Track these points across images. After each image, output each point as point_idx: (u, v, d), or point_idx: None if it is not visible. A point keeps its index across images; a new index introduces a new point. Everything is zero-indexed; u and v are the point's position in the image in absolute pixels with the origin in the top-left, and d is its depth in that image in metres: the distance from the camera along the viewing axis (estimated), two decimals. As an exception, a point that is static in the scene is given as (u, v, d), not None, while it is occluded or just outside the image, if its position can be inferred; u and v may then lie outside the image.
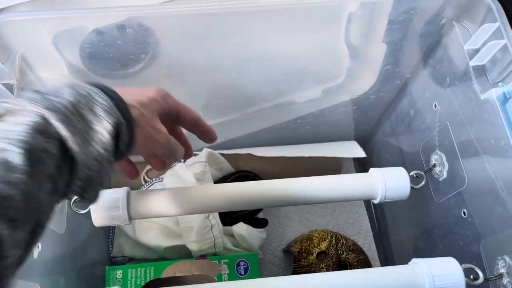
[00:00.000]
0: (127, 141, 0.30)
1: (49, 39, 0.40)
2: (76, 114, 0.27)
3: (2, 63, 0.37)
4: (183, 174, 0.55)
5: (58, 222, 0.42)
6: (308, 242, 0.56)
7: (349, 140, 0.66)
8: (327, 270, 0.53)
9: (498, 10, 0.38)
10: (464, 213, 0.44)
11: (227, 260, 0.52)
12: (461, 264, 0.37)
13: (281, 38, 0.46)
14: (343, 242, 0.55)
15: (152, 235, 0.55)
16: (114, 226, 0.59)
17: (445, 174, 0.46)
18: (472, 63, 0.40)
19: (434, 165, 0.47)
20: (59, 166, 0.26)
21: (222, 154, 0.60)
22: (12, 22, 0.38)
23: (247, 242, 0.56)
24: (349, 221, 0.65)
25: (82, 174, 0.27)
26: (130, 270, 0.52)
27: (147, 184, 0.58)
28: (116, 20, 0.39)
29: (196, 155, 0.59)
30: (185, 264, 0.52)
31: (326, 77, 0.54)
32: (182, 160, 0.58)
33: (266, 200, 0.45)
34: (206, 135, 0.43)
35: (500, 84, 0.38)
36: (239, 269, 0.52)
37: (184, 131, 0.43)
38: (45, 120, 0.25)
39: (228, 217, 0.57)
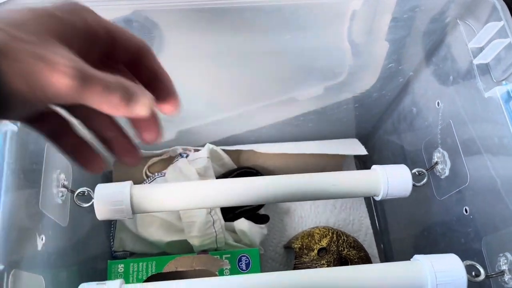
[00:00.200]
0: None
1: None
2: None
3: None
4: (185, 169, 0.55)
5: (61, 215, 0.42)
6: (309, 238, 0.57)
7: (351, 138, 0.66)
8: (328, 266, 0.53)
9: (502, 9, 0.39)
10: (465, 210, 0.44)
11: (228, 255, 0.52)
12: (462, 261, 0.38)
13: (284, 35, 0.47)
14: (344, 239, 0.56)
15: (154, 230, 0.55)
16: (116, 220, 0.59)
17: (447, 172, 0.46)
18: (476, 61, 0.41)
19: (436, 163, 0.48)
20: None
21: (224, 150, 0.60)
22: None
23: (249, 237, 0.56)
24: (350, 218, 0.66)
25: None
26: (132, 264, 0.52)
27: (149, 179, 0.58)
28: (123, 14, 0.39)
29: (198, 150, 0.59)
30: (187, 259, 0.52)
31: (329, 75, 0.54)
32: (185, 155, 0.58)
33: (268, 196, 0.45)
34: (167, 94, 0.29)
35: (504, 82, 0.38)
36: (241, 264, 0.52)
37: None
38: None
39: (230, 213, 0.57)
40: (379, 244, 0.65)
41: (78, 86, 0.21)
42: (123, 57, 0.27)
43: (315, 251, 0.55)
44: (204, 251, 0.54)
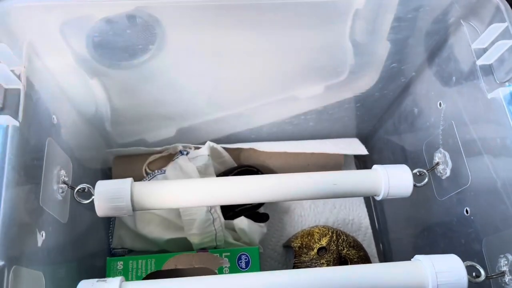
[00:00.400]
0: None
1: (56, 27, 0.40)
2: None
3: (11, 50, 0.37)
4: (185, 167, 0.55)
5: (61, 211, 0.42)
6: (309, 237, 0.57)
7: (351, 137, 0.66)
8: (328, 265, 0.53)
9: (506, 10, 0.39)
10: (466, 211, 0.44)
11: (228, 254, 0.52)
12: (463, 262, 0.38)
13: (287, 33, 0.46)
14: (343, 238, 0.56)
15: (153, 227, 0.55)
16: (115, 218, 0.59)
17: (448, 173, 0.46)
18: (479, 62, 0.41)
19: (438, 163, 0.48)
20: None
21: (224, 148, 0.60)
22: (20, 9, 0.37)
23: (248, 236, 0.56)
24: (349, 217, 0.66)
25: None
26: (131, 261, 0.52)
27: (148, 176, 0.58)
28: (126, 10, 0.39)
29: (198, 148, 0.59)
30: (186, 257, 0.52)
31: (330, 74, 0.54)
32: (185, 153, 0.58)
33: (268, 194, 0.45)
34: None
35: (507, 83, 0.38)
36: (240, 262, 0.52)
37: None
38: None
39: (230, 211, 0.57)
40: (378, 244, 0.65)
41: None
42: None
43: (315, 250, 0.55)
44: (204, 249, 0.53)
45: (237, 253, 0.52)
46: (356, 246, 0.56)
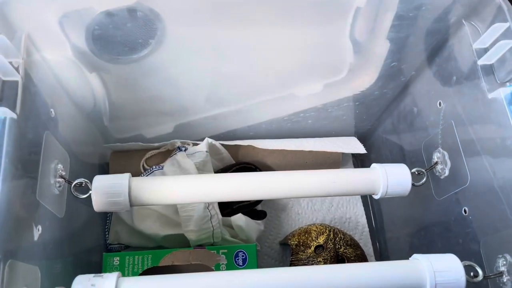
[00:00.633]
0: None
1: (55, 19, 0.40)
2: None
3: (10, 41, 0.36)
4: (183, 163, 0.55)
5: (58, 205, 0.42)
6: (306, 235, 0.57)
7: (350, 136, 0.66)
8: (325, 263, 0.53)
9: (509, 10, 0.39)
10: (465, 211, 0.44)
11: (225, 251, 0.52)
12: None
13: (287, 30, 0.46)
14: (341, 237, 0.56)
15: (150, 223, 0.55)
16: (111, 213, 0.59)
17: (447, 172, 0.46)
18: (480, 62, 0.40)
19: (436, 163, 0.48)
20: None
21: (223, 145, 0.60)
22: (19, 0, 0.37)
23: (245, 233, 0.56)
24: (346, 216, 0.66)
25: None
26: (127, 257, 0.51)
27: (146, 172, 0.58)
28: (126, 3, 0.39)
29: (197, 144, 0.59)
30: (183, 253, 0.51)
31: (329, 72, 0.54)
32: (183, 149, 0.57)
33: (266, 191, 0.44)
34: None
35: (508, 83, 0.38)
36: (237, 259, 0.52)
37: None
38: None
39: (228, 208, 0.57)
40: (375, 243, 0.65)
41: None
42: None
43: (312, 248, 0.55)
44: (201, 246, 0.53)
45: (234, 250, 0.52)
46: (353, 244, 0.56)
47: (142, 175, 0.58)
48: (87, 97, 0.50)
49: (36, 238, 0.37)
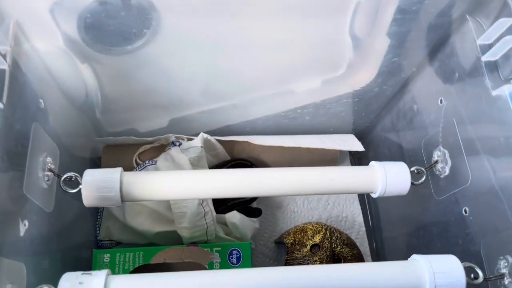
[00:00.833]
0: None
1: (46, 7, 0.38)
2: None
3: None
4: (177, 158, 0.54)
5: (46, 200, 0.40)
6: (302, 234, 0.55)
7: (347, 134, 0.65)
8: (321, 263, 0.52)
9: (514, 5, 0.38)
10: (465, 211, 0.43)
11: (219, 248, 0.51)
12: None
13: (285, 23, 0.45)
14: (337, 236, 0.54)
15: (143, 220, 0.53)
16: (103, 208, 0.57)
17: (447, 171, 0.45)
18: (484, 58, 0.39)
19: (436, 162, 0.47)
20: None
21: (218, 141, 0.59)
22: (7, -15, 0.35)
23: (240, 231, 0.54)
24: (343, 215, 0.65)
25: None
26: (118, 254, 0.50)
27: (139, 167, 0.56)
28: (120, -10, 0.37)
29: (191, 139, 0.57)
30: (176, 251, 0.50)
31: (327, 68, 0.53)
32: (177, 144, 0.56)
33: (262, 189, 0.43)
34: None
35: (512, 81, 0.37)
36: (231, 258, 0.51)
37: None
38: None
39: (222, 205, 0.56)
40: (372, 242, 0.64)
41: None
42: None
43: (308, 247, 0.54)
44: (194, 243, 0.52)
45: (228, 248, 0.51)
46: (350, 244, 0.55)
47: (135, 170, 0.57)
48: (78, 88, 0.49)
49: (22, 233, 0.35)
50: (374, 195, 0.44)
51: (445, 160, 0.46)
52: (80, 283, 0.34)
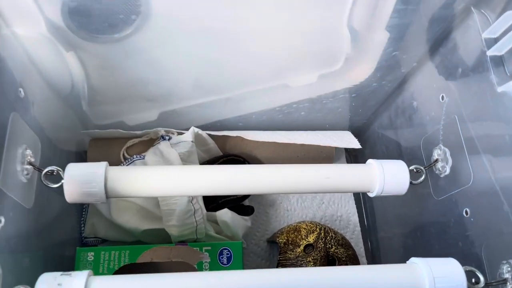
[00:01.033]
0: None
1: (27, -12, 0.36)
2: None
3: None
4: (167, 153, 0.51)
5: (25, 195, 0.38)
6: (296, 233, 0.53)
7: (343, 130, 0.63)
8: (315, 264, 0.50)
9: (522, -2, 0.36)
10: (466, 212, 0.41)
11: (209, 248, 0.48)
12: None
13: (282, 14, 0.43)
14: (332, 236, 0.53)
15: (129, 217, 0.51)
16: (88, 204, 0.55)
17: (447, 171, 0.44)
18: (489, 53, 0.38)
19: (436, 160, 0.45)
20: None
21: (210, 135, 0.57)
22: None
23: (231, 229, 0.52)
24: (337, 214, 0.63)
25: None
26: (102, 252, 0.48)
27: (126, 161, 0.54)
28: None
29: (182, 133, 0.55)
30: (164, 250, 0.48)
31: (324, 62, 0.51)
32: (167, 138, 0.54)
33: (256, 186, 0.41)
34: None
35: (519, 76, 0.36)
36: (222, 258, 0.49)
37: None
38: None
39: (213, 202, 0.54)
40: (367, 243, 0.62)
41: None
42: None
43: (301, 247, 0.52)
44: (183, 242, 0.50)
45: (218, 248, 0.49)
46: (345, 244, 0.53)
47: (122, 164, 0.54)
48: (63, 78, 0.46)
49: (-3, 230, 0.33)
50: (371, 194, 0.43)
51: (445, 159, 0.44)
52: (58, 284, 0.32)
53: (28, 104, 0.40)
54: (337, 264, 0.51)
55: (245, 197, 0.57)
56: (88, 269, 0.46)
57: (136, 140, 0.56)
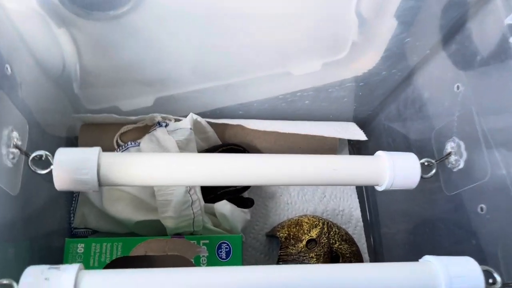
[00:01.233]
0: None
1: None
2: None
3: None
4: (163, 140, 0.49)
5: (11, 181, 0.35)
6: (297, 228, 0.51)
7: (347, 121, 0.61)
8: (317, 260, 0.48)
9: (551, -20, 0.33)
10: (481, 209, 0.39)
11: (207, 241, 0.46)
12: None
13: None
14: (335, 231, 0.50)
15: (122, 207, 0.49)
16: (78, 193, 0.52)
17: (461, 164, 0.41)
18: (513, 39, 0.35)
19: (450, 154, 0.43)
20: None
21: (209, 123, 0.54)
22: None
23: (230, 222, 0.50)
24: (339, 208, 0.61)
25: None
26: (94, 244, 0.45)
27: (120, 148, 0.51)
28: None
29: (179, 120, 0.53)
30: (159, 242, 0.45)
31: (329, 50, 0.49)
32: (164, 125, 0.51)
33: (257, 176, 0.39)
34: None
35: (545, 65, 0.33)
36: (220, 252, 0.46)
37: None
38: None
39: (211, 193, 0.51)
40: (369, 238, 0.60)
41: None
42: None
43: (304, 243, 0.49)
44: (179, 235, 0.47)
45: (217, 241, 0.46)
46: (349, 240, 0.51)
47: (116, 151, 0.51)
48: (54, 57, 0.44)
49: (-21, 219, 0.30)
50: (379, 188, 0.40)
51: (459, 153, 0.42)
52: (45, 279, 0.29)
53: (15, 83, 0.37)
54: (341, 260, 0.49)
55: (245, 188, 0.55)
56: (78, 261, 0.43)
57: (130, 126, 0.53)
